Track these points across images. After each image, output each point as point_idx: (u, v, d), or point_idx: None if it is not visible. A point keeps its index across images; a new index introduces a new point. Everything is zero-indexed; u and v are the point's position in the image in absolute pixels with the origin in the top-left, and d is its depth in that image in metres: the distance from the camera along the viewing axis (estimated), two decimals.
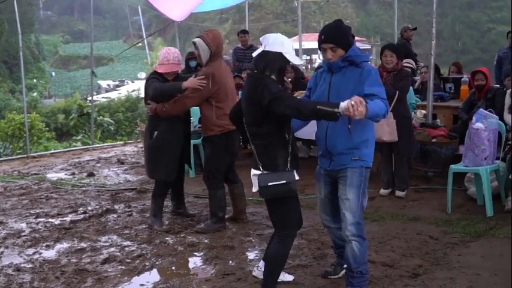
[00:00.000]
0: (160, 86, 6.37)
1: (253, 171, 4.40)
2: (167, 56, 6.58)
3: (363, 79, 4.35)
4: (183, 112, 6.61)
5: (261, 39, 4.49)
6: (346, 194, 4.42)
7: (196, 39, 6.41)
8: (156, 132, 6.54)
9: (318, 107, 4.10)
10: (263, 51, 4.38)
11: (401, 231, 6.23)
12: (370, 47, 41.15)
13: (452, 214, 6.73)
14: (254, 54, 4.44)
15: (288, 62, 4.44)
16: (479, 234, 5.99)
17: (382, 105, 4.21)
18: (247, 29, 13.82)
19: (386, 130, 7.06)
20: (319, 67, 5.04)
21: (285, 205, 4.45)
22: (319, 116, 4.19)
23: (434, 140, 7.78)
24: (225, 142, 6.42)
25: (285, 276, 4.88)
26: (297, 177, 4.36)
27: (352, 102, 3.91)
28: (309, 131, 4.93)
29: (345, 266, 4.66)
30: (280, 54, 4.35)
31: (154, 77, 6.55)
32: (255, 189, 4.41)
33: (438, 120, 8.48)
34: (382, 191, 7.64)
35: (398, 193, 7.51)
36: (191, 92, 6.27)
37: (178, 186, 7.11)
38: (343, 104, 3.97)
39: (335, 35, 4.43)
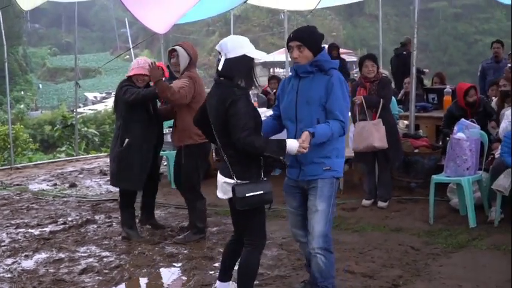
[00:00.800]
0: (140, 91, 6.27)
1: (224, 179, 4.27)
2: (137, 61, 6.62)
3: (330, 89, 4.29)
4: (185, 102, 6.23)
5: (217, 47, 4.31)
6: (317, 205, 4.34)
7: (176, 47, 6.38)
8: (127, 139, 6.36)
9: (266, 154, 4.15)
10: (226, 59, 4.21)
11: (383, 241, 6.19)
12: (356, 59, 41.24)
13: (434, 225, 6.69)
14: (219, 66, 4.24)
15: (253, 59, 4.31)
16: (461, 245, 5.97)
17: (335, 128, 4.22)
18: None
19: (376, 136, 7.09)
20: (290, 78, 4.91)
21: (259, 214, 4.35)
22: (266, 154, 4.17)
23: (416, 151, 7.78)
24: (203, 152, 6.40)
25: None
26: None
27: (300, 146, 4.06)
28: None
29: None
30: (244, 56, 4.24)
31: (127, 84, 6.44)
32: (223, 196, 4.33)
33: (421, 130, 8.50)
34: (365, 202, 7.61)
35: (381, 204, 7.48)
36: (180, 86, 6.11)
37: (148, 197, 6.94)
38: (290, 148, 4.09)
39: (302, 34, 4.42)
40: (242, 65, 4.24)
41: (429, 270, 5.29)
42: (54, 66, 66.38)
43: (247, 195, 4.12)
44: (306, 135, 4.09)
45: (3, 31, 13.25)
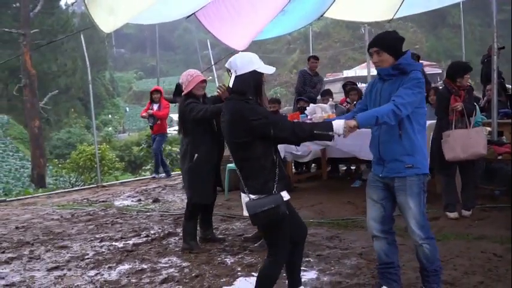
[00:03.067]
0: (208, 108, 6.40)
1: (243, 197, 4.32)
2: (188, 73, 6.73)
3: (404, 83, 4.38)
4: None
5: (226, 65, 4.33)
6: (409, 202, 4.46)
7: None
8: (196, 155, 6.58)
9: (315, 131, 4.16)
10: (236, 76, 4.23)
11: (465, 249, 6.05)
12: (441, 71, 40.46)
13: None
14: (230, 83, 4.26)
15: (262, 74, 4.30)
16: None
17: (383, 110, 4.27)
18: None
19: (482, 144, 6.99)
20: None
21: (276, 230, 4.31)
22: (315, 139, 4.26)
23: (500, 157, 7.57)
24: None
25: None
26: (286, 198, 4.26)
27: (345, 126, 4.15)
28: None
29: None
30: (253, 72, 4.24)
31: (191, 101, 6.57)
32: (245, 213, 4.34)
33: (504, 137, 8.26)
34: (452, 214, 7.36)
35: (465, 212, 7.30)
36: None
37: (208, 212, 7.19)
38: (336, 126, 4.14)
39: (380, 39, 4.53)
40: (252, 81, 4.25)
41: (510, 276, 5.13)
42: (140, 90, 68.23)
43: (258, 211, 4.13)
44: (350, 122, 4.18)
45: (86, 55, 13.80)
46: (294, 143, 4.51)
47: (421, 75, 4.46)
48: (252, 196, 4.18)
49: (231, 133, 4.26)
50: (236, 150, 4.28)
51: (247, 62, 4.25)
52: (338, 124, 4.17)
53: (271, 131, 4.12)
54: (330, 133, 4.16)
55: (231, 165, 9.83)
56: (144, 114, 13.84)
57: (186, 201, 9.77)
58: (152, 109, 13.40)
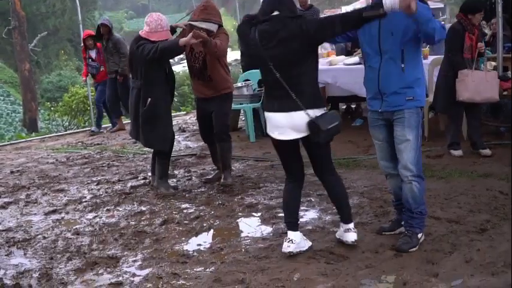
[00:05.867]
0: (161, 46, 6.15)
1: (299, 115, 4.35)
2: (160, 23, 6.36)
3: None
4: (223, 55, 6.67)
5: None
6: (406, 135, 4.47)
7: (210, 26, 6.46)
8: (149, 99, 6.37)
9: (364, 15, 4.16)
10: None
11: (470, 187, 6.05)
12: (443, 6, 39.98)
13: None
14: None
15: None
16: None
17: (435, 21, 4.27)
18: None
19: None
20: None
21: (329, 146, 4.61)
22: (366, 21, 4.23)
23: (505, 93, 7.52)
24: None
25: (306, 242, 4.77)
26: None
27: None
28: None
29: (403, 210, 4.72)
30: None
31: (143, 42, 6.30)
32: (292, 135, 4.44)
33: (509, 72, 8.19)
34: (457, 152, 7.34)
35: (486, 152, 7.24)
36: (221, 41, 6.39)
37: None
38: (388, 3, 4.01)
39: None
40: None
41: None
42: (132, 29, 67.26)
43: (329, 127, 4.30)
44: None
45: None
46: (351, 29, 4.53)
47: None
48: (312, 112, 4.34)
49: (290, 49, 4.33)
50: (292, 68, 4.37)
51: None
52: (392, 0, 4.04)
53: (335, 28, 4.32)
54: (381, 11, 4.09)
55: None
56: (84, 78, 13.14)
57: (182, 143, 9.90)
58: (91, 57, 11.99)
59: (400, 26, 4.35)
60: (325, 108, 4.52)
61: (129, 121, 7.53)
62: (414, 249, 4.53)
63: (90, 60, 11.94)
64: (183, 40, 6.13)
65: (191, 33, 6.07)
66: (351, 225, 4.71)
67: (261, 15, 4.44)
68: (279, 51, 4.36)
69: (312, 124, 4.31)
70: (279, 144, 4.61)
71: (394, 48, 4.39)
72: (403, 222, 4.80)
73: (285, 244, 4.63)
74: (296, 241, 4.62)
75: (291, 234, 4.65)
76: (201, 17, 6.46)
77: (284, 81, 4.34)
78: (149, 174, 7.60)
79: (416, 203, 4.56)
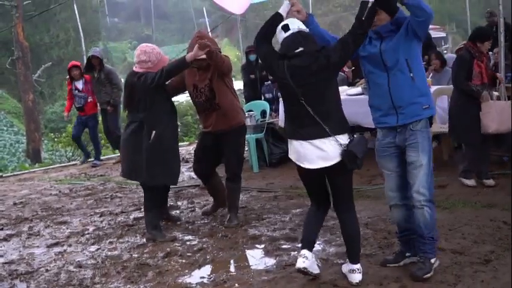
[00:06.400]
0: (166, 68, 5.92)
1: (328, 142, 4.38)
2: (158, 50, 6.17)
3: (401, 30, 4.48)
4: (229, 70, 6.48)
5: (289, 22, 4.55)
6: (421, 159, 4.51)
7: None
8: (154, 131, 6.00)
9: (363, 18, 4.34)
10: (301, 32, 4.49)
11: (474, 218, 6.04)
12: (445, 35, 40.18)
13: None
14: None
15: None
16: None
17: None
18: None
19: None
20: None
21: (351, 178, 4.67)
22: (369, 19, 4.38)
23: None
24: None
25: (317, 268, 4.77)
26: None
27: None
28: None
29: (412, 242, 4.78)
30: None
31: (144, 73, 6.00)
32: (321, 163, 4.42)
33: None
34: (470, 182, 7.30)
35: (490, 182, 7.24)
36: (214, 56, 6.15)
37: (166, 190, 6.86)
38: None
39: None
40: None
41: None
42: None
43: (362, 155, 4.36)
44: None
45: (79, 25, 13.69)
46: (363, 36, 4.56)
47: None
48: (340, 138, 4.38)
49: (318, 84, 4.42)
50: (321, 99, 4.42)
51: (297, 21, 4.55)
52: None
53: (350, 47, 4.42)
54: (369, 3, 4.31)
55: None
56: (67, 113, 12.35)
57: (185, 173, 9.89)
58: (77, 88, 11.62)
59: (398, 45, 4.49)
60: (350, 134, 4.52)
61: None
62: (429, 275, 4.54)
63: (76, 91, 11.64)
64: (190, 55, 5.85)
65: (196, 45, 5.84)
66: (357, 266, 4.65)
67: (286, 51, 4.46)
68: (311, 86, 4.42)
69: (348, 153, 4.33)
70: (305, 174, 4.62)
71: (399, 61, 4.48)
72: (407, 254, 4.84)
73: (300, 260, 4.62)
74: (310, 259, 4.62)
75: (306, 252, 4.64)
76: None
77: (314, 113, 4.39)
78: None
79: (428, 229, 4.57)
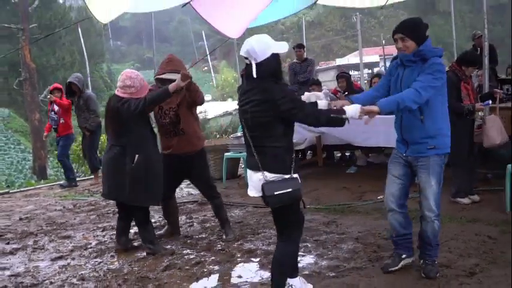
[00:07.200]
0: (148, 97, 5.96)
1: (257, 176, 4.20)
2: (138, 76, 6.09)
3: (424, 70, 4.46)
4: (202, 102, 6.50)
5: (243, 54, 4.19)
6: (431, 181, 4.63)
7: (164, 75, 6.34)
8: (137, 155, 5.99)
9: (332, 115, 4.25)
10: (257, 64, 4.14)
11: (460, 232, 6.05)
12: None
13: (511, 214, 6.50)
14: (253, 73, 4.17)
15: (278, 55, 4.22)
16: None
17: (406, 94, 4.37)
18: (304, 44, 13.79)
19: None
20: (395, 57, 5.14)
21: (288, 211, 4.32)
22: (332, 124, 4.30)
23: None
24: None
25: (307, 286, 4.74)
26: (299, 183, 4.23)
27: (360, 111, 4.25)
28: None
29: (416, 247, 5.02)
30: (272, 55, 4.17)
31: (128, 99, 5.98)
32: (255, 193, 4.30)
33: None
34: (466, 200, 7.27)
35: (475, 198, 7.28)
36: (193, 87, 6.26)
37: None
38: (350, 111, 4.22)
39: (406, 26, 4.59)
40: (273, 64, 4.20)
41: (505, 258, 5.14)
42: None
43: (275, 193, 4.09)
44: (373, 107, 4.33)
45: (84, 48, 13.74)
46: (313, 126, 4.56)
47: (440, 61, 4.55)
48: (269, 175, 4.12)
49: (257, 111, 4.16)
50: (258, 129, 4.20)
51: (264, 48, 4.14)
52: (353, 109, 4.26)
53: (297, 114, 4.14)
54: (344, 116, 4.22)
55: (228, 154, 9.89)
56: (45, 133, 12.52)
57: (184, 190, 9.87)
58: (53, 110, 11.64)
59: (414, 80, 4.50)
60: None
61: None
62: (438, 274, 4.80)
63: (52, 112, 11.64)
64: (173, 85, 5.86)
65: (179, 76, 5.89)
66: (291, 281, 4.58)
67: None
68: (250, 110, 4.30)
69: (262, 187, 4.14)
70: None
71: None
72: (403, 256, 5.02)
73: None
74: (296, 286, 4.59)
75: (290, 280, 4.60)
76: (169, 68, 6.37)
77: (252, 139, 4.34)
78: (152, 220, 7.61)
79: (435, 237, 4.80)
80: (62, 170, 12.79)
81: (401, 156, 4.80)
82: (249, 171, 4.36)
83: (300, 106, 4.15)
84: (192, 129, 6.49)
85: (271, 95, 4.09)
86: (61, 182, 12.47)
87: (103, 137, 13.16)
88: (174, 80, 5.99)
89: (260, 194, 4.21)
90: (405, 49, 4.56)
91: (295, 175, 4.20)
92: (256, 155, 4.20)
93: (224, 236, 6.63)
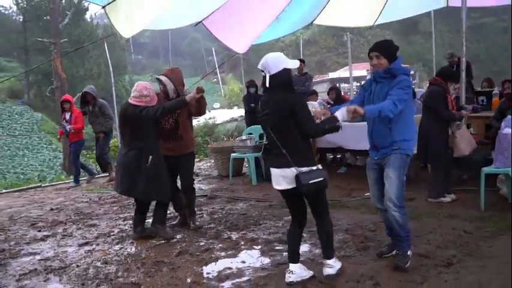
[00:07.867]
0: (167, 105, 6.08)
1: (290, 171, 4.28)
2: (151, 88, 6.21)
3: (394, 85, 4.50)
4: (204, 113, 6.64)
5: (259, 67, 4.32)
6: (389, 173, 4.60)
7: (160, 76, 6.45)
8: (151, 156, 6.09)
9: (327, 127, 4.29)
10: (271, 76, 4.26)
11: (437, 226, 5.99)
12: (413, 72, 40.35)
13: (485, 211, 6.44)
14: (266, 83, 4.30)
15: (290, 69, 4.34)
16: (509, 228, 5.67)
17: (385, 105, 4.39)
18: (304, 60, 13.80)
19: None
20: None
21: (321, 196, 4.49)
22: (328, 132, 4.35)
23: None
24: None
25: (308, 272, 4.70)
26: None
27: (347, 111, 4.28)
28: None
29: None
30: (284, 69, 4.27)
31: (145, 106, 6.07)
32: (286, 186, 4.36)
33: (471, 129, 8.23)
34: (450, 197, 7.19)
35: (452, 196, 7.21)
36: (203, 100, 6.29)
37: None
38: (340, 116, 4.28)
39: (380, 46, 4.66)
40: (285, 76, 4.29)
41: (480, 251, 5.10)
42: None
43: (310, 182, 4.21)
44: (360, 108, 4.34)
45: (109, 61, 13.75)
46: (311, 137, 4.58)
47: (407, 78, 4.58)
48: (302, 169, 4.23)
49: (275, 117, 4.29)
50: (280, 132, 4.31)
51: (278, 62, 4.26)
52: (340, 113, 4.30)
53: (303, 125, 4.24)
54: (337, 123, 4.27)
55: (234, 155, 9.88)
56: (59, 136, 12.99)
57: (196, 185, 9.80)
58: (65, 118, 11.47)
59: (384, 93, 4.54)
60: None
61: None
62: (408, 264, 4.68)
63: (64, 121, 11.53)
64: (189, 96, 6.08)
65: (196, 89, 6.09)
66: (330, 262, 4.67)
67: None
68: (270, 116, 4.44)
69: (297, 178, 4.26)
70: (282, 194, 4.61)
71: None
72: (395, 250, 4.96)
73: (287, 275, 4.59)
74: (296, 272, 4.57)
75: (291, 266, 4.61)
76: (167, 73, 6.52)
77: (278, 140, 4.42)
78: (168, 212, 7.57)
79: (402, 228, 4.69)
80: (83, 170, 12.72)
81: (374, 162, 4.79)
82: (276, 170, 4.42)
83: (309, 118, 4.27)
84: (189, 135, 6.60)
85: (290, 103, 4.22)
86: (72, 182, 12.29)
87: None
88: (161, 80, 6.35)
89: (293, 186, 4.31)
90: (379, 66, 4.59)
91: (320, 166, 4.36)
92: (287, 153, 4.27)
93: (192, 224, 6.75)
